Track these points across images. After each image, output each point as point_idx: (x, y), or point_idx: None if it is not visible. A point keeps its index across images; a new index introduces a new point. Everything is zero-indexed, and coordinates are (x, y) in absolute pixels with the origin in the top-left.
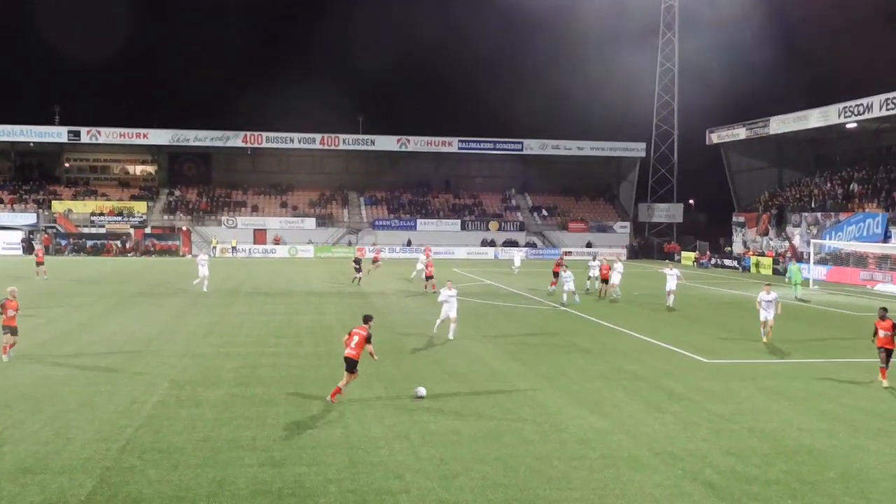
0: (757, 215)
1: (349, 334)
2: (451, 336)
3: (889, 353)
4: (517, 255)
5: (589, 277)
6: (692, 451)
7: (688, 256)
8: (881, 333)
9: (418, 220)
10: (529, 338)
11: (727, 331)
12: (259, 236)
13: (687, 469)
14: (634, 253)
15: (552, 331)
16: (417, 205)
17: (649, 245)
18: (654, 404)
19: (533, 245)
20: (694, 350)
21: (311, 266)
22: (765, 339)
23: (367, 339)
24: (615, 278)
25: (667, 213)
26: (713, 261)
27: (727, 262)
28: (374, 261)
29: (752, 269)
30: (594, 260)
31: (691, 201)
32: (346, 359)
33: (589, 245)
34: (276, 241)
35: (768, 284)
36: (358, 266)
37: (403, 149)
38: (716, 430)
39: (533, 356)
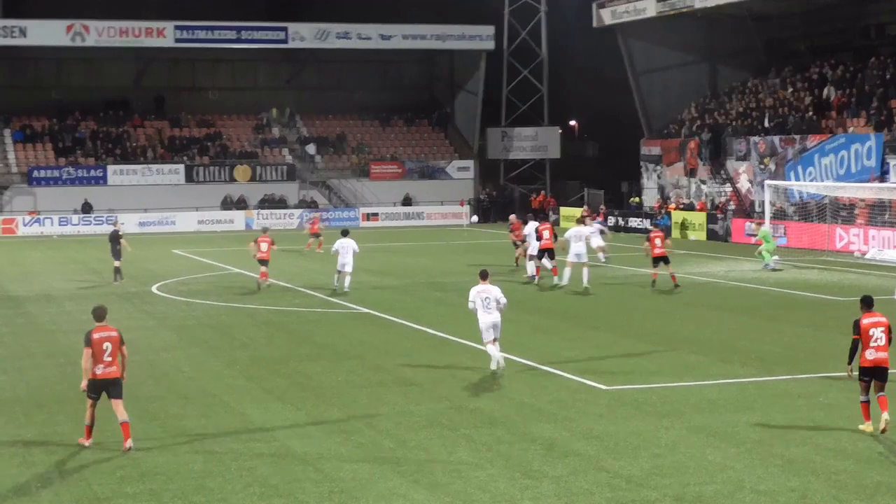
0: (679, 143)
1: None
2: (493, 367)
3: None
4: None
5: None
6: None
7: (570, 214)
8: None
9: (109, 168)
10: (310, 363)
11: (637, 337)
12: None
13: None
14: (485, 212)
15: (348, 349)
16: (107, 140)
17: (506, 196)
18: (522, 465)
19: (311, 205)
20: (584, 371)
21: None
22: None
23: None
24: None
25: (534, 143)
26: (612, 220)
27: (634, 221)
28: (314, 234)
29: (675, 233)
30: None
31: (573, 123)
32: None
33: (407, 201)
34: None
35: None
36: (117, 247)
37: (78, 43)
38: (621, 503)
39: (315, 393)
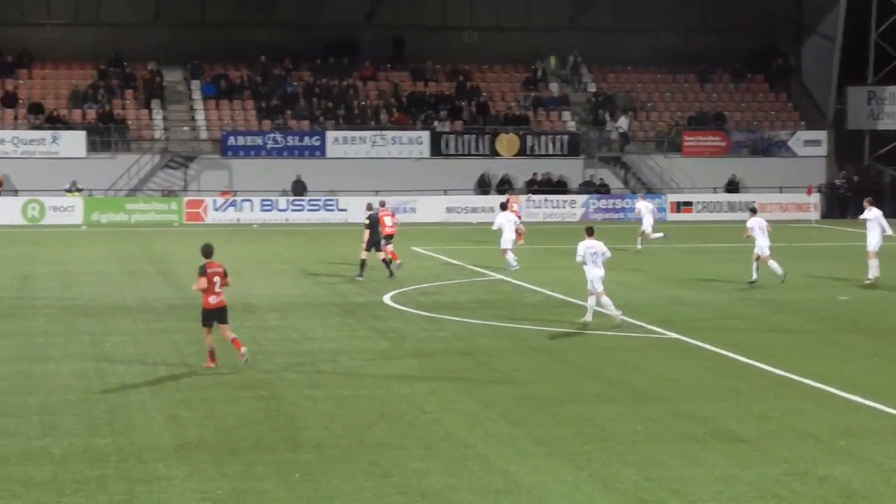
0: None
1: None
2: (588, 319)
3: None
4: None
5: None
6: None
7: None
8: None
9: (328, 135)
10: (597, 407)
11: None
12: None
13: None
14: (841, 203)
15: (649, 389)
16: (327, 97)
17: (872, 182)
18: None
19: (600, 187)
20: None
21: (85, 242)
22: None
23: None
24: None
25: None
26: None
27: None
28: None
29: None
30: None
31: None
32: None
33: (732, 186)
34: None
35: None
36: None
37: None
38: None
39: (603, 448)
